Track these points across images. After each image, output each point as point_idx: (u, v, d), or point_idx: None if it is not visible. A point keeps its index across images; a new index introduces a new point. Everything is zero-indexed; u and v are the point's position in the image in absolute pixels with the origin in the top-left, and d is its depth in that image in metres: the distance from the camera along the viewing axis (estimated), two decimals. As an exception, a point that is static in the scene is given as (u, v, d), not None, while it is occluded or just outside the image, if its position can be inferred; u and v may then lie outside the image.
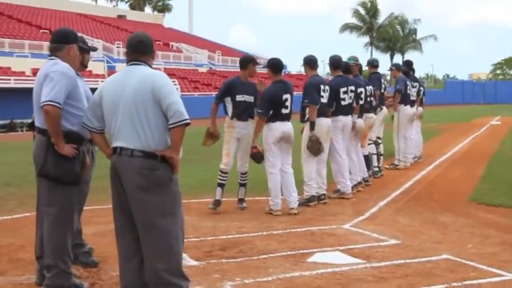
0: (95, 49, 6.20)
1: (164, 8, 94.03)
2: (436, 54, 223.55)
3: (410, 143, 13.40)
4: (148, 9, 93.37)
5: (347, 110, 9.80)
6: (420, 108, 14.26)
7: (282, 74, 8.85)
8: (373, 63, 12.46)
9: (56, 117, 4.95)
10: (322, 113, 8.99)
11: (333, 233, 7.33)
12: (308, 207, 8.83)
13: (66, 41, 5.36)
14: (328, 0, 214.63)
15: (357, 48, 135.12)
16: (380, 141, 12.27)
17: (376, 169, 11.87)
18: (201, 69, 53.02)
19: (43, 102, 4.94)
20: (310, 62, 9.19)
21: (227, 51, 64.29)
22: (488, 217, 8.26)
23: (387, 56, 77.86)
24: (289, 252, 6.41)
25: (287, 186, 8.54)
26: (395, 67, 13.49)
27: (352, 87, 9.81)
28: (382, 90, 12.17)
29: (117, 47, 47.58)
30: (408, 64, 14.12)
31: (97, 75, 37.26)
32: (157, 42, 57.73)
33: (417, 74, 14.83)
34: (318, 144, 8.78)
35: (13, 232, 7.30)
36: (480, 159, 14.76)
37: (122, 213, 4.50)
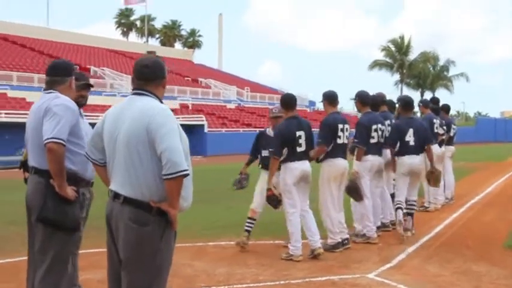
0: (92, 85, 5.79)
1: (194, 44, 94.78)
2: (467, 92, 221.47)
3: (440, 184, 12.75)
4: (178, 45, 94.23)
5: (376, 149, 9.30)
6: (451, 147, 13.67)
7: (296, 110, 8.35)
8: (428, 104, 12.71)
9: (61, 155, 4.57)
10: (339, 153, 8.48)
11: (355, 283, 6.75)
12: (333, 252, 8.28)
13: (68, 73, 5.03)
14: (355, 37, 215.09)
15: (387, 86, 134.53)
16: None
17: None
18: (229, 105, 52.82)
19: (47, 139, 4.55)
20: (330, 98, 8.71)
21: (256, 87, 64.27)
22: (527, 267, 7.60)
23: (417, 93, 77.03)
24: (307, 306, 5.87)
25: (310, 227, 8.01)
26: (422, 104, 12.96)
27: (380, 125, 9.35)
28: None
29: (146, 82, 47.61)
30: (434, 102, 13.62)
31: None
32: (186, 78, 58.05)
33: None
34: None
35: (11, 276, 6.83)
36: (516, 201, 13.97)
37: (112, 263, 4.03)
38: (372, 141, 9.19)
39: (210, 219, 11.20)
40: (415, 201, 9.81)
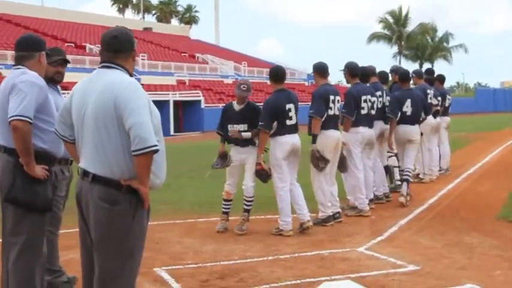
0: (69, 61, 5.59)
1: (191, 20, 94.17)
2: (467, 63, 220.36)
3: (435, 155, 12.61)
4: (175, 21, 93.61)
5: (366, 121, 9.13)
6: (447, 118, 13.49)
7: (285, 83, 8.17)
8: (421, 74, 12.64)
9: (27, 134, 4.41)
10: (331, 124, 8.32)
11: (345, 258, 6.63)
12: (324, 226, 8.17)
13: (37, 48, 4.83)
14: (355, 9, 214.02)
15: (385, 58, 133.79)
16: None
17: (399, 183, 11.09)
18: (226, 81, 52.47)
19: (11, 117, 4.39)
20: (321, 70, 8.54)
21: (253, 62, 63.83)
22: (520, 238, 7.46)
23: (416, 65, 76.29)
24: (293, 282, 5.74)
25: (298, 201, 7.88)
26: (415, 74, 12.67)
27: (370, 96, 9.18)
28: None
29: (142, 59, 47.26)
30: (429, 72, 13.44)
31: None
32: (182, 54, 57.66)
33: (448, 83, 14.17)
34: (321, 159, 8.10)
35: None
36: (512, 171, 13.80)
37: (85, 243, 3.91)
38: (363, 112, 9.02)
39: (203, 195, 11.08)
40: (409, 168, 10.17)
